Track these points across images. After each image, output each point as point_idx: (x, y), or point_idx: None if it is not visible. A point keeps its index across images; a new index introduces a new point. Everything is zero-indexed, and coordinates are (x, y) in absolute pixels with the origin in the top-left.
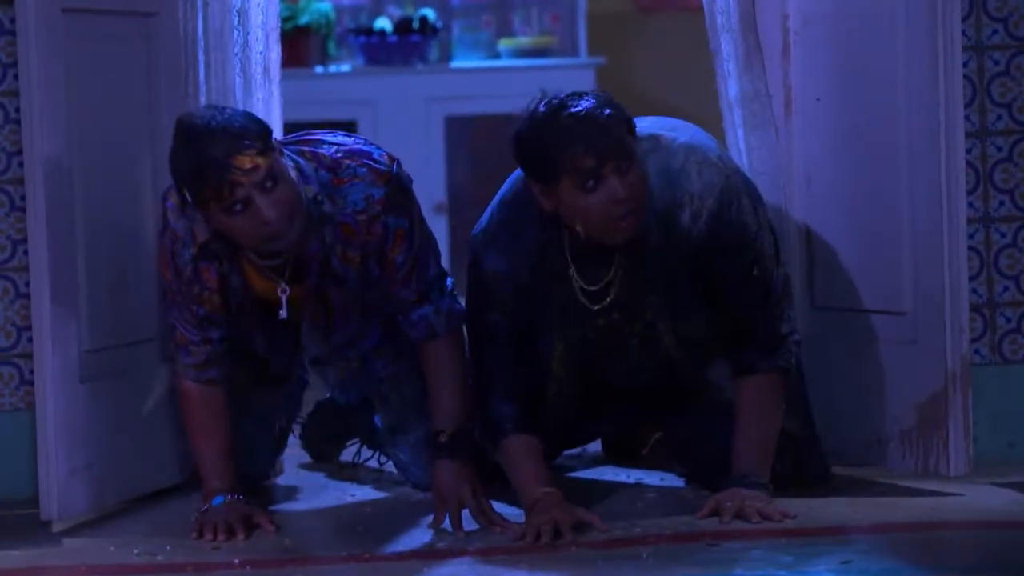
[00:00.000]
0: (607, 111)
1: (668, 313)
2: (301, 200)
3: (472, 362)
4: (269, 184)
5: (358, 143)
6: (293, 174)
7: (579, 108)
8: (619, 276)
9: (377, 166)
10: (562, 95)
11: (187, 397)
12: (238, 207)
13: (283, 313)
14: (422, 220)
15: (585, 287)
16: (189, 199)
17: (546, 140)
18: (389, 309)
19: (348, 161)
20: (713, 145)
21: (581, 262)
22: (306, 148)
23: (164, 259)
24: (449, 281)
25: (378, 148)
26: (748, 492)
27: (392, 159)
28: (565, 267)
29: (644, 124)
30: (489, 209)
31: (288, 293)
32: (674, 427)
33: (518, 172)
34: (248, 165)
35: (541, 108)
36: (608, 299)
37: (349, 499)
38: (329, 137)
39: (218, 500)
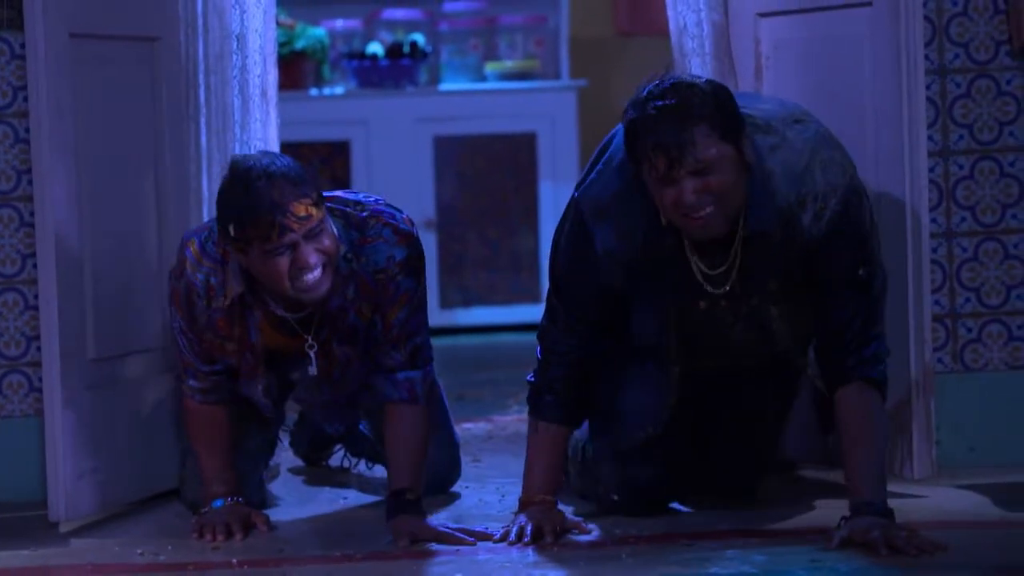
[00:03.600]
0: (695, 112)
1: (782, 299)
2: (338, 255)
3: (545, 319)
4: (316, 234)
5: (379, 204)
6: (334, 231)
7: (667, 103)
8: (738, 264)
9: (400, 227)
10: (669, 81)
11: (191, 412)
12: (283, 250)
13: (312, 369)
14: (425, 286)
15: (705, 271)
16: (232, 235)
17: (631, 128)
18: (371, 366)
19: (374, 221)
20: (834, 139)
21: (699, 245)
22: (335, 207)
23: (177, 302)
24: (431, 348)
25: (398, 210)
26: (883, 521)
27: (411, 222)
28: (679, 247)
29: (766, 109)
30: (601, 169)
31: (316, 349)
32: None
33: None
34: (303, 213)
35: (644, 91)
36: (727, 286)
37: (342, 502)
38: (351, 197)
39: (218, 503)
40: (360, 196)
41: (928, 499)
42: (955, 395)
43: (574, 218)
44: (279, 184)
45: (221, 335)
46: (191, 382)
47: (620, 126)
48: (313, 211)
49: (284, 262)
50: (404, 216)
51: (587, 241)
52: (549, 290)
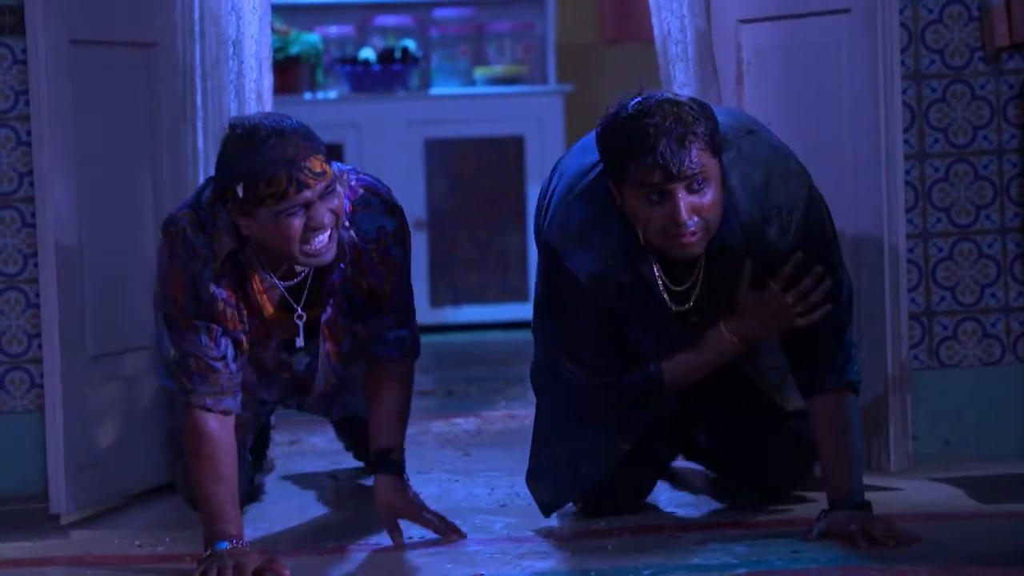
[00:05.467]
0: (692, 128)
1: None
2: (343, 219)
3: (575, 366)
4: (328, 193)
5: (361, 173)
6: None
7: (661, 120)
8: (701, 279)
9: (385, 197)
10: (655, 98)
11: (196, 432)
12: (297, 210)
13: (300, 341)
14: (410, 250)
15: (670, 286)
16: (241, 197)
17: (620, 143)
18: (362, 330)
19: (362, 191)
20: (786, 148)
21: (664, 261)
22: None
23: (176, 283)
24: (414, 302)
25: (378, 180)
26: (860, 514)
27: (389, 191)
28: (649, 263)
29: (720, 121)
30: (559, 202)
31: (304, 320)
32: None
33: (593, 158)
34: (319, 169)
35: (629, 107)
36: (691, 302)
37: (333, 496)
38: (336, 167)
39: (223, 545)
40: (343, 165)
41: (904, 491)
42: (931, 390)
43: (547, 257)
44: (293, 139)
45: (229, 303)
46: (200, 387)
47: (561, 173)
48: (327, 168)
49: (298, 223)
50: (385, 187)
51: (571, 276)
52: (558, 362)
